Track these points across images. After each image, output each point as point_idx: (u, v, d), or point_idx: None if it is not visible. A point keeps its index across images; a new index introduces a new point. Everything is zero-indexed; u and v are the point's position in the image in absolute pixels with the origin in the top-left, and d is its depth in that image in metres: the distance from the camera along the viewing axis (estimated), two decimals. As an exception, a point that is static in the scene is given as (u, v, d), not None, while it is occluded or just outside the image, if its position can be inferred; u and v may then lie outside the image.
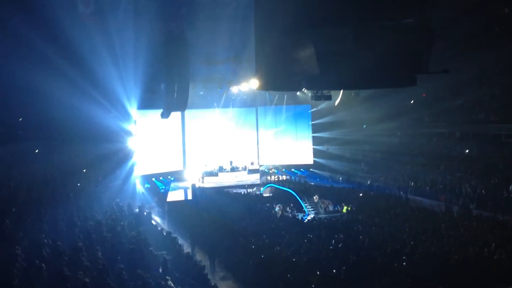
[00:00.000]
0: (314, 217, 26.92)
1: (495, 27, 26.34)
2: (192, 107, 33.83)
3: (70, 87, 24.10)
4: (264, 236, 19.44)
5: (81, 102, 25.64)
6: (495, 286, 13.67)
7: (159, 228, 21.31)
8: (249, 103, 39.13)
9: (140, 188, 32.34)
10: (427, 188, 30.39)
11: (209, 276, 15.13)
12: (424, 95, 35.07)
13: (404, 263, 15.09)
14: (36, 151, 26.13)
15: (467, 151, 32.12)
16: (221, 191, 32.01)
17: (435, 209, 25.36)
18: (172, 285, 13.43)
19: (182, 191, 32.54)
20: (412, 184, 31.87)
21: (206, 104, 38.04)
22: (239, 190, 32.95)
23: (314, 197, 29.78)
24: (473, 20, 23.87)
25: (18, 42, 21.38)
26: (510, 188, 25.94)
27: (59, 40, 21.97)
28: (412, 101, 36.58)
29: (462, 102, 33.33)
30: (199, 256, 18.20)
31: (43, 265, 11.44)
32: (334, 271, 14.52)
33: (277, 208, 28.48)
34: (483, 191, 27.16)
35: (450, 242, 17.20)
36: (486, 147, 30.47)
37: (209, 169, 36.13)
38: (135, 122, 33.11)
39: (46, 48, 21.70)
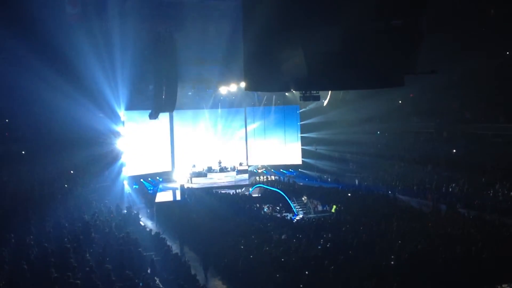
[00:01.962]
0: (303, 217, 26.98)
1: (482, 28, 26.61)
2: (180, 108, 33.78)
3: (57, 88, 23.96)
4: (253, 237, 19.45)
5: (69, 103, 25.49)
6: (483, 285, 13.81)
7: (148, 229, 21.24)
8: (237, 103, 39.12)
9: (128, 189, 32.19)
10: (415, 187, 30.56)
11: (198, 277, 15.12)
12: (411, 95, 35.32)
13: (392, 262, 15.18)
14: (23, 152, 25.92)
15: (454, 151, 32.38)
16: (209, 192, 31.95)
17: (423, 209, 25.55)
18: (161, 285, 13.43)
19: (170, 192, 32.42)
20: (400, 183, 32.05)
21: (194, 105, 38.01)
22: (227, 191, 32.92)
23: (303, 198, 29.85)
24: (460, 22, 24.12)
25: (3, 44, 21.21)
26: (497, 187, 26.20)
27: (46, 42, 21.83)
28: (400, 101, 36.82)
29: (449, 102, 33.61)
30: (188, 257, 18.17)
31: (30, 266, 11.35)
32: (322, 270, 14.56)
33: (266, 209, 28.55)
34: (470, 190, 27.39)
35: (437, 241, 17.33)
36: (473, 147, 30.74)
37: (197, 170, 36.09)
38: (123, 123, 32.97)
39: (33, 49, 21.55)
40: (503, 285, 13.69)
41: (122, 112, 32.39)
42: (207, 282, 16.49)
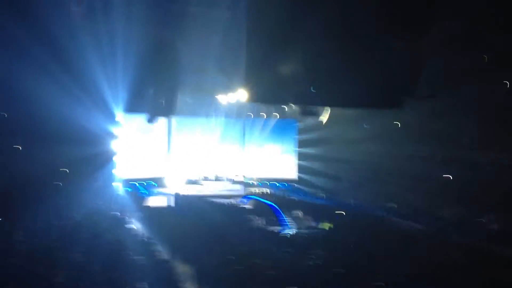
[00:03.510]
0: (294, 232, 26.91)
1: (483, 56, 26.77)
2: (179, 114, 33.83)
3: (55, 85, 23.89)
4: (243, 248, 19.39)
5: (66, 101, 25.37)
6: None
7: (138, 233, 21.17)
8: (236, 114, 39.18)
9: (121, 191, 32.09)
10: (406, 209, 30.57)
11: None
12: (408, 118, 35.38)
13: (382, 283, 15.14)
14: (15, 146, 25.80)
15: (448, 176, 32.42)
16: (203, 200, 31.88)
17: (413, 231, 25.50)
18: (147, 290, 13.36)
19: (163, 198, 32.37)
20: (392, 205, 32.04)
21: (193, 112, 38.03)
22: (221, 200, 32.84)
23: (298, 213, 29.81)
24: (461, 47, 24.29)
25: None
26: (488, 216, 26.21)
27: (46, 37, 21.82)
28: (397, 123, 36.90)
29: (445, 127, 33.68)
30: (177, 263, 18.12)
31: (16, 262, 11.30)
32: (310, 287, 14.52)
33: (258, 221, 28.50)
34: (461, 216, 27.40)
35: (426, 265, 17.31)
36: (467, 173, 30.77)
37: (192, 178, 36.01)
38: (120, 125, 32.91)
39: (32, 43, 21.54)
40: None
41: (120, 114, 32.34)
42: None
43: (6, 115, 25.45)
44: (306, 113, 18.70)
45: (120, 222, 22.59)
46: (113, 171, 32.08)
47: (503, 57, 25.40)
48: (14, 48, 21.25)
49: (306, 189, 38.91)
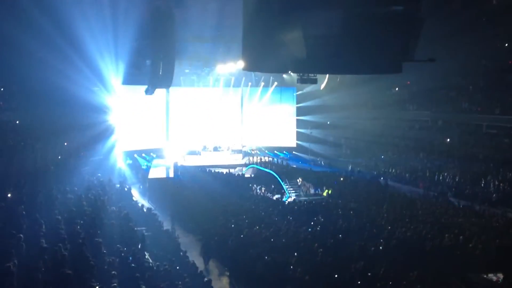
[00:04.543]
0: (294, 199, 27.11)
1: (482, 19, 26.52)
2: (177, 85, 33.65)
3: (54, 59, 23.72)
4: (244, 216, 19.54)
5: (64, 74, 25.24)
6: (469, 273, 13.95)
7: (140, 204, 21.31)
8: (234, 83, 39.02)
9: (121, 164, 32.16)
10: (407, 175, 30.75)
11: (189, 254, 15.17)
12: (408, 82, 35.31)
13: (380, 247, 15.31)
14: (17, 122, 25.77)
15: (448, 140, 32.50)
16: (203, 170, 32.00)
17: (414, 196, 25.71)
18: (151, 260, 13.50)
19: (164, 169, 32.49)
20: (392, 170, 32.21)
21: (191, 82, 37.89)
22: (221, 170, 32.98)
23: (298, 180, 29.95)
24: (460, 10, 24.03)
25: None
26: (488, 179, 26.37)
27: (43, 13, 21.56)
28: (396, 89, 36.82)
29: (446, 92, 33.64)
30: (178, 233, 18.29)
31: (21, 235, 11.36)
32: (311, 253, 14.67)
33: (258, 189, 28.67)
34: (461, 180, 27.57)
35: (426, 229, 17.49)
36: (467, 137, 30.86)
37: (191, 148, 36.06)
38: (118, 97, 32.74)
39: (32, 14, 21.30)
40: (489, 275, 13.84)
41: (118, 86, 32.13)
42: (207, 269, 16.35)
43: (2, 89, 25.36)
44: (305, 80, 18.60)
45: (121, 194, 22.68)
46: (114, 143, 32.04)
47: (504, 20, 25.19)
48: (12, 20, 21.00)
49: (305, 156, 39.06)
